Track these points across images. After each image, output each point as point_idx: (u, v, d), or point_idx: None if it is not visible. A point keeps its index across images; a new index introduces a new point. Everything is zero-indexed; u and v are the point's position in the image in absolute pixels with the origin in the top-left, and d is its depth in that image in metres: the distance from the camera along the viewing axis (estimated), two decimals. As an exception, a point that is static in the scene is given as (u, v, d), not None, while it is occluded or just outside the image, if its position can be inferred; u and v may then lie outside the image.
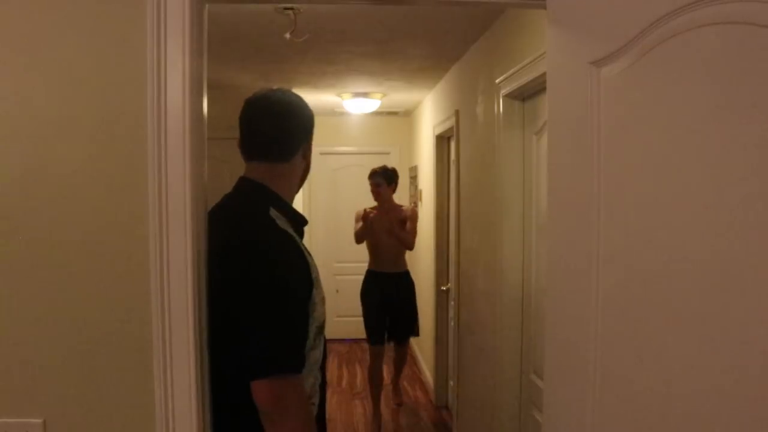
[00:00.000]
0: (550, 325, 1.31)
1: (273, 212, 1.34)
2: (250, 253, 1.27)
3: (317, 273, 1.36)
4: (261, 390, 1.20)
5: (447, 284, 4.29)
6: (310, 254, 1.38)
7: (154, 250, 1.15)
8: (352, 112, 5.33)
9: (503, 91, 2.54)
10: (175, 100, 1.15)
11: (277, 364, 1.21)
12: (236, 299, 1.24)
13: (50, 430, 1.18)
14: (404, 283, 4.37)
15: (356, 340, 6.25)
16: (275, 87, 1.48)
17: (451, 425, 3.91)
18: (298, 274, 1.28)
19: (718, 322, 0.86)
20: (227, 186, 1.44)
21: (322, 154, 6.31)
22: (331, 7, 2.54)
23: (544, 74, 1.53)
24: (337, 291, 6.18)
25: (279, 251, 1.28)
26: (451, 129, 3.86)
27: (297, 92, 1.48)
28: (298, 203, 5.41)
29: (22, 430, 1.17)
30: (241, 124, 1.42)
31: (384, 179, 4.23)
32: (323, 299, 1.37)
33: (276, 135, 1.40)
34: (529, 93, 2.42)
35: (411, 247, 4.21)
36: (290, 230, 1.34)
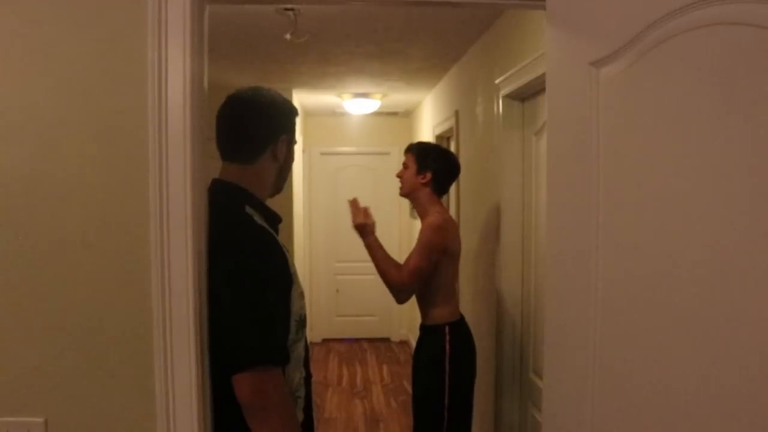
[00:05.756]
0: (550, 324, 1.31)
1: (249, 210, 1.34)
2: (228, 248, 1.27)
3: (295, 268, 1.36)
4: (242, 383, 1.20)
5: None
6: (287, 250, 1.39)
7: (155, 249, 1.16)
8: (352, 112, 5.34)
9: (503, 92, 2.55)
10: (175, 101, 1.16)
11: (258, 356, 1.21)
12: (216, 294, 1.24)
13: (52, 429, 1.18)
14: (420, 349, 2.52)
15: (356, 340, 6.27)
16: (253, 85, 1.45)
17: (451, 425, 3.91)
18: (277, 268, 1.29)
19: (717, 321, 0.86)
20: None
21: (322, 154, 6.32)
22: (331, 7, 2.55)
23: (543, 75, 1.53)
24: (337, 291, 6.18)
25: (257, 245, 1.29)
26: (450, 129, 3.87)
27: (297, 93, 1.48)
28: (299, 204, 5.43)
29: (24, 429, 1.17)
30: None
31: (413, 156, 2.53)
32: (302, 294, 1.37)
33: (235, 137, 1.40)
34: (529, 93, 2.43)
35: (394, 293, 2.40)
36: (268, 227, 1.35)
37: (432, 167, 2.48)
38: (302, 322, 1.37)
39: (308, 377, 1.43)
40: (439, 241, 2.38)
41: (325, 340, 6.20)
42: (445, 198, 4.34)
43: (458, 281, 2.47)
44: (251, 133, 1.40)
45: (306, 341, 1.43)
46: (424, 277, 2.37)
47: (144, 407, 1.18)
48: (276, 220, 1.43)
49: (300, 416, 1.37)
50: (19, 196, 1.17)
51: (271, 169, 1.44)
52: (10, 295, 1.17)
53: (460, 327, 2.47)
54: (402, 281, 2.35)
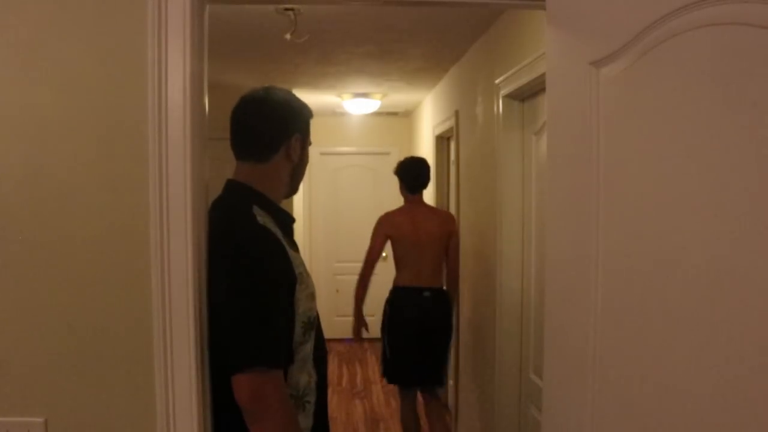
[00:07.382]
0: (549, 324, 1.31)
1: (256, 210, 1.33)
2: (228, 248, 1.27)
3: (304, 269, 1.35)
4: (240, 385, 1.19)
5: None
6: (296, 250, 1.37)
7: (155, 249, 1.16)
8: (352, 112, 5.34)
9: (503, 92, 2.55)
10: (175, 101, 1.16)
11: (256, 358, 1.20)
12: (215, 295, 1.24)
13: (52, 429, 1.18)
14: None
15: (356, 340, 6.24)
16: (266, 85, 1.46)
17: (451, 424, 3.92)
18: (277, 268, 1.28)
19: (717, 322, 0.86)
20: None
21: (322, 154, 6.32)
22: (332, 7, 2.55)
23: (543, 74, 1.53)
24: (337, 291, 6.17)
25: (256, 246, 1.28)
26: (450, 129, 3.87)
27: (297, 93, 1.48)
28: (298, 204, 5.43)
29: (24, 429, 1.17)
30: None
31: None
32: (312, 294, 1.36)
33: (248, 136, 1.40)
34: (529, 93, 2.43)
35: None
36: (273, 227, 1.33)
37: (397, 175, 3.46)
38: (311, 324, 1.35)
39: (321, 381, 1.40)
40: (376, 230, 3.39)
41: (325, 340, 6.20)
42: (444, 198, 4.36)
43: (408, 260, 3.34)
44: (262, 131, 1.40)
45: (322, 343, 1.41)
46: (372, 258, 3.39)
47: (144, 407, 1.18)
48: (289, 220, 1.42)
49: (308, 421, 1.35)
50: (19, 196, 1.17)
51: (285, 168, 1.43)
52: (10, 295, 1.17)
53: (396, 291, 3.41)
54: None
